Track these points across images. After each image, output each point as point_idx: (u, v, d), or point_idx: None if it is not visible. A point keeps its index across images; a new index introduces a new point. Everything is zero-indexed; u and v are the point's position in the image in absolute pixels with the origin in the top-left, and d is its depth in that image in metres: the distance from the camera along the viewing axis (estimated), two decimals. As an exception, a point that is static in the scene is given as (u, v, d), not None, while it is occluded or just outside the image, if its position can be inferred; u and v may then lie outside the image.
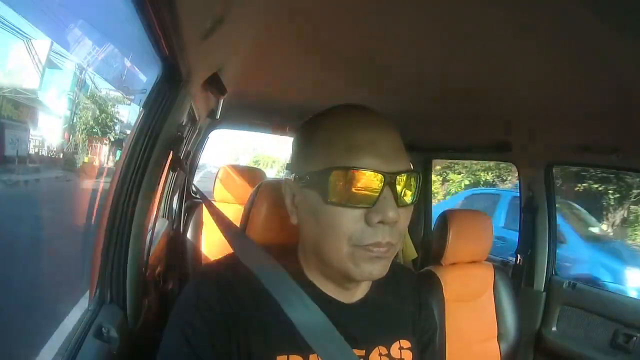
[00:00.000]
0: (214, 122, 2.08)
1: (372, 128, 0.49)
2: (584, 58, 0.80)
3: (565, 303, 1.49)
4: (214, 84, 1.03)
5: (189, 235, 1.83)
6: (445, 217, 1.29)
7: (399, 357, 0.57)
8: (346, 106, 0.53)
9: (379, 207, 0.46)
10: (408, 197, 0.49)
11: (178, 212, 1.93)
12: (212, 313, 0.47)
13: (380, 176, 0.46)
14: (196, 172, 2.69)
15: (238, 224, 0.68)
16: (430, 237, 1.35)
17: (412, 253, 1.92)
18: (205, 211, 1.82)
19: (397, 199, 0.47)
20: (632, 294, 2.76)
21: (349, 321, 0.54)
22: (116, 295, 0.84)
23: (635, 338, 1.28)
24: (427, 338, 0.63)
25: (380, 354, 0.55)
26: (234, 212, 0.80)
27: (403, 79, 1.22)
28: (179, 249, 1.83)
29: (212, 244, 1.82)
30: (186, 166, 2.04)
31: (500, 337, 1.33)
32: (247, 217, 0.79)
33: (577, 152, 1.29)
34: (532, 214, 1.54)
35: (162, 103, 0.84)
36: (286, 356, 0.49)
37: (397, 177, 0.47)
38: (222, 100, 1.31)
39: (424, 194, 2.37)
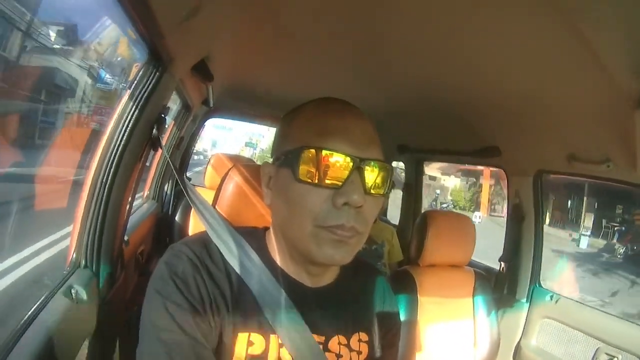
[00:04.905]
0: (209, 111, 2.15)
1: (347, 115, 0.51)
2: (575, 67, 0.80)
3: (547, 316, 1.45)
4: (201, 70, 1.07)
5: (177, 218, 1.89)
6: (425, 218, 1.30)
7: (358, 349, 0.57)
8: (327, 98, 0.56)
9: (346, 189, 0.47)
10: (377, 188, 0.50)
11: (169, 196, 1.99)
12: (189, 291, 0.48)
13: (349, 159, 0.47)
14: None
15: None
16: None
17: (399, 255, 1.91)
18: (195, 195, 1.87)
19: (365, 184, 0.48)
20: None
21: (312, 305, 0.54)
22: (90, 262, 0.88)
23: (616, 359, 1.24)
24: (391, 336, 0.63)
25: (339, 343, 0.55)
26: None
27: (396, 79, 1.23)
28: (165, 230, 1.89)
29: (199, 227, 1.88)
30: (178, 150, 2.12)
31: (476, 344, 1.31)
32: (216, 199, 0.82)
33: (567, 161, 1.27)
34: (518, 222, 1.52)
35: (145, 84, 0.89)
36: (247, 334, 0.50)
37: (367, 163, 0.48)
38: (210, 88, 1.36)
39: (414, 196, 2.36)
